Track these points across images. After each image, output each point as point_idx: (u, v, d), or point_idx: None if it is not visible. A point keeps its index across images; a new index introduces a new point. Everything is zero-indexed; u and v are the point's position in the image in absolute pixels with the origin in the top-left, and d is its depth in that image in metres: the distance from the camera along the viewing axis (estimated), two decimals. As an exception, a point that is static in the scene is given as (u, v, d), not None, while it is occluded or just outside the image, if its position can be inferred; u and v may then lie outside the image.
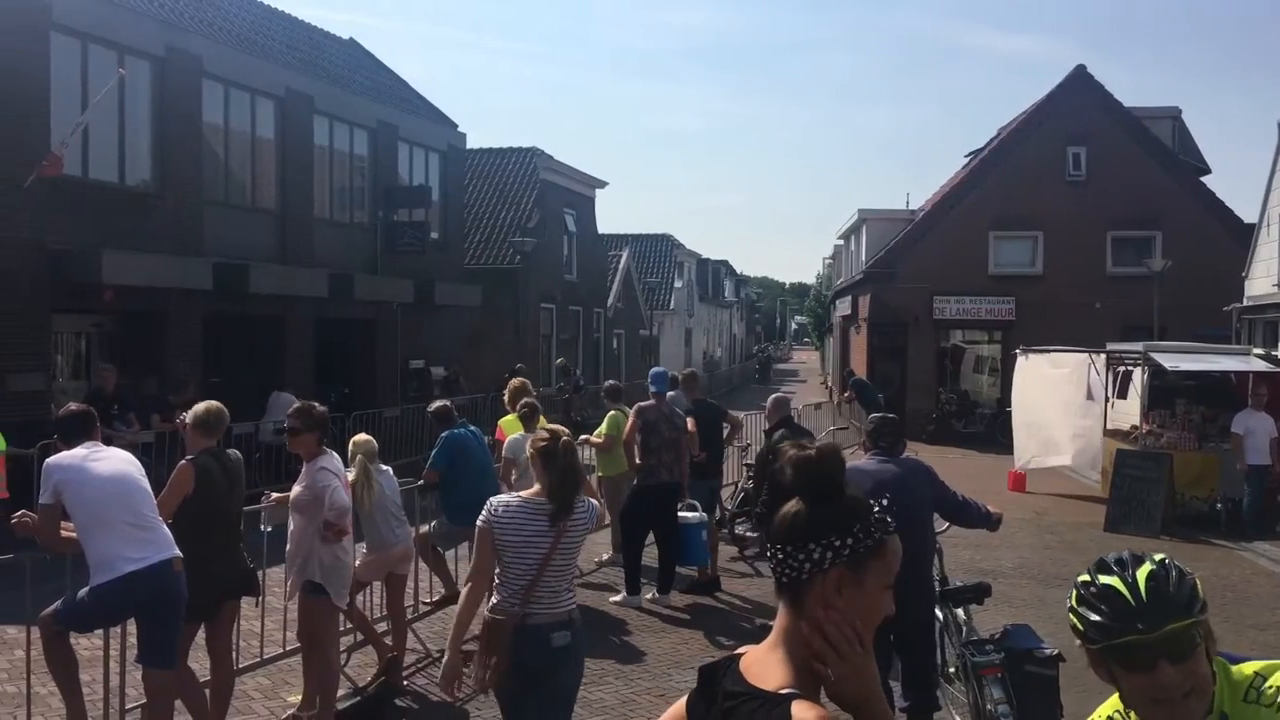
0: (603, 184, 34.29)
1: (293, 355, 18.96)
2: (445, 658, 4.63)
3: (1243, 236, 23.33)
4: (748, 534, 11.58)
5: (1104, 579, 1.90)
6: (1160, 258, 23.01)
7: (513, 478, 8.43)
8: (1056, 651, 5.33)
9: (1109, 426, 16.77)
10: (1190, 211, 26.27)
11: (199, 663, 6.16)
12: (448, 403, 9.06)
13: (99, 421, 5.66)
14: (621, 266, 38.67)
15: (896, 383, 26.85)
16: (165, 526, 5.39)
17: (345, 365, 20.77)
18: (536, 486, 4.59)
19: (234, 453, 6.16)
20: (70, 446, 5.32)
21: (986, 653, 5.37)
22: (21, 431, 12.17)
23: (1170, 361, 14.81)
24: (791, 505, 1.87)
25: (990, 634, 5.72)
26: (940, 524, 6.00)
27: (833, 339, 44.70)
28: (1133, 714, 1.96)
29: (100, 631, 6.00)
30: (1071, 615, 1.95)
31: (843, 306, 36.14)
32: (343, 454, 6.79)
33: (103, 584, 5.11)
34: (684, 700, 2.03)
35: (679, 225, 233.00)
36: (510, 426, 9.36)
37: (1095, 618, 1.88)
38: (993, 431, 23.47)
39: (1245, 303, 21.17)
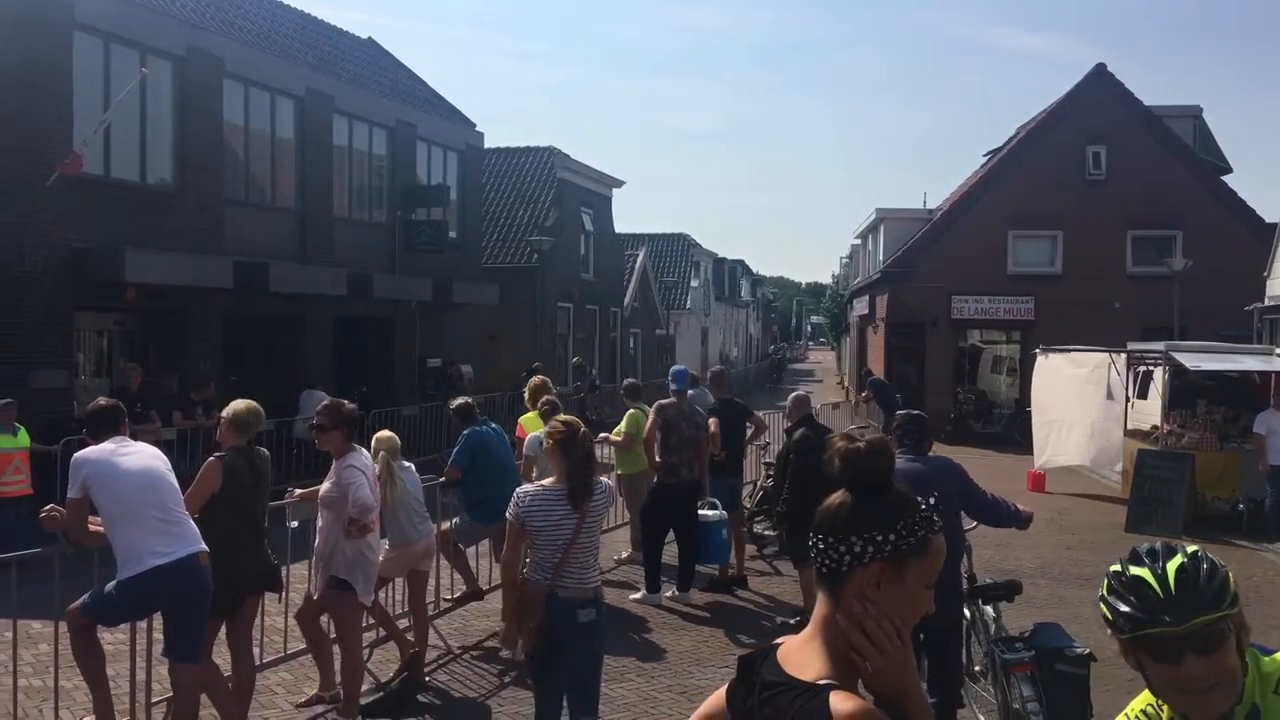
0: (620, 183, 34.32)
1: (312, 354, 19.05)
2: (504, 628, 5.38)
3: (1264, 236, 23.17)
4: (766, 532, 11.57)
5: (1134, 570, 1.90)
6: (1181, 257, 22.86)
7: (534, 475, 8.45)
8: (1088, 650, 5.30)
9: (1129, 427, 16.68)
10: (1211, 211, 26.09)
11: (221, 658, 6.19)
12: (469, 400, 9.07)
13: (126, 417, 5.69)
14: (638, 266, 38.67)
15: (914, 383, 26.75)
16: (191, 521, 5.43)
17: (363, 364, 20.84)
18: (555, 476, 5.02)
19: (263, 450, 6.19)
20: (98, 441, 5.36)
21: (1017, 650, 5.35)
22: (45, 428, 12.29)
23: (1192, 361, 14.70)
24: (837, 497, 1.88)
25: (1020, 632, 5.69)
26: (968, 522, 5.97)
27: (849, 339, 44.59)
28: (1165, 706, 1.96)
29: (126, 626, 6.05)
30: (1102, 604, 1.95)
31: (860, 306, 36.04)
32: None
33: (130, 578, 5.14)
34: (724, 689, 2.03)
35: (695, 225, 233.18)
36: (531, 424, 9.36)
37: (1124, 608, 1.88)
38: (1011, 431, 23.36)
39: (1267, 302, 21.01)
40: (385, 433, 7.43)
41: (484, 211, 27.06)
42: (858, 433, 1.96)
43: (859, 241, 39.22)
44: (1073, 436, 17.62)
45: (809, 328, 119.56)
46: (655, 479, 9.85)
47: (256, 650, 6.59)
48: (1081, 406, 17.43)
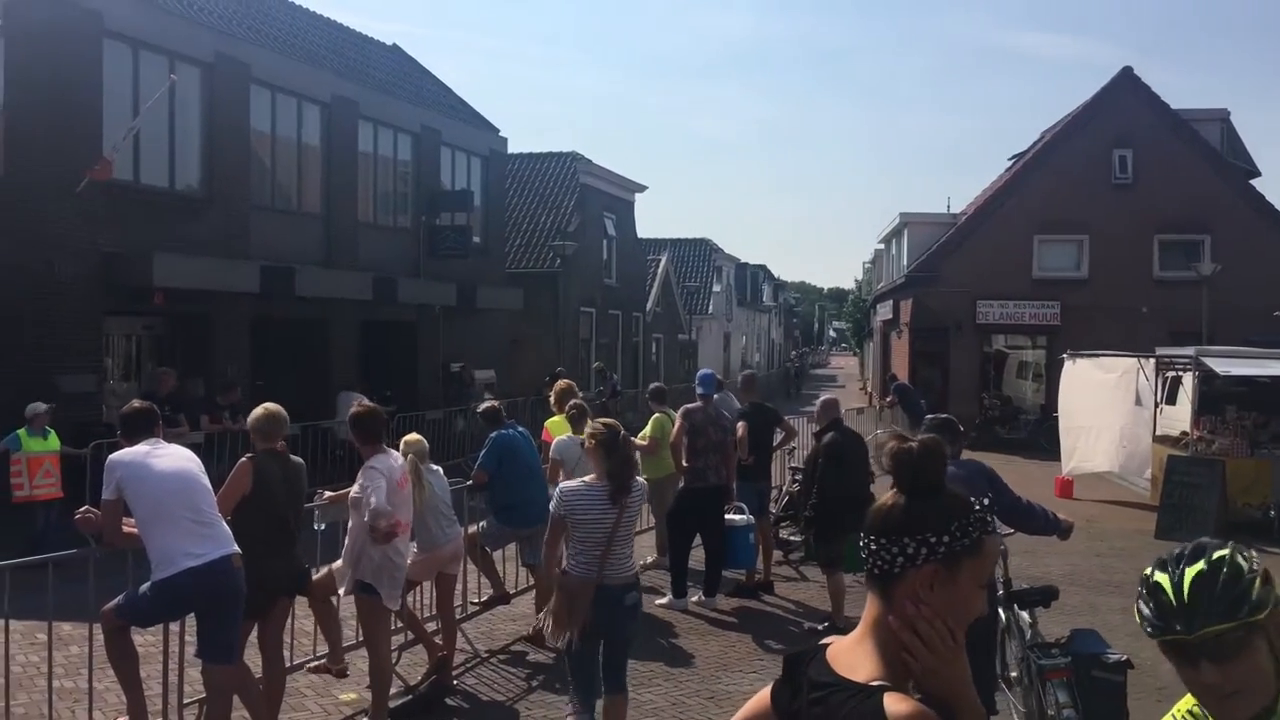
0: (642, 188, 34.35)
1: (337, 358, 19.15)
2: (548, 619, 5.52)
3: (1294, 240, 22.92)
4: (792, 538, 11.52)
5: (1156, 575, 1.89)
6: (1209, 262, 22.64)
7: (560, 478, 8.43)
8: (1125, 657, 5.24)
9: (1158, 433, 16.51)
10: (1240, 215, 25.84)
11: (251, 661, 6.21)
12: (496, 403, 9.08)
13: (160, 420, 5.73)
14: (660, 271, 38.67)
15: (939, 388, 26.59)
16: (224, 523, 5.45)
17: (388, 368, 20.92)
18: (596, 474, 5.43)
19: (297, 458, 6.21)
20: (133, 443, 5.39)
21: (1053, 656, 5.29)
22: (74, 432, 12.39)
23: (1222, 366, 14.55)
24: (889, 497, 1.87)
25: (1056, 638, 5.64)
26: (1003, 528, 5.92)
27: (873, 344, 44.41)
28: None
29: (158, 627, 6.08)
30: (1135, 605, 1.95)
31: (884, 311, 35.90)
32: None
33: (163, 579, 5.17)
34: (768, 689, 2.02)
35: (717, 230, 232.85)
36: (557, 428, 9.36)
37: (1145, 612, 1.88)
38: (1037, 437, 23.19)
39: (1297, 307, 20.76)
40: (413, 436, 7.43)
41: (507, 216, 27.15)
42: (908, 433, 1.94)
43: (882, 246, 39.09)
44: (1101, 442, 17.47)
45: (831, 333, 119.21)
46: (682, 483, 9.83)
47: (286, 653, 6.61)
48: (1110, 412, 17.28)
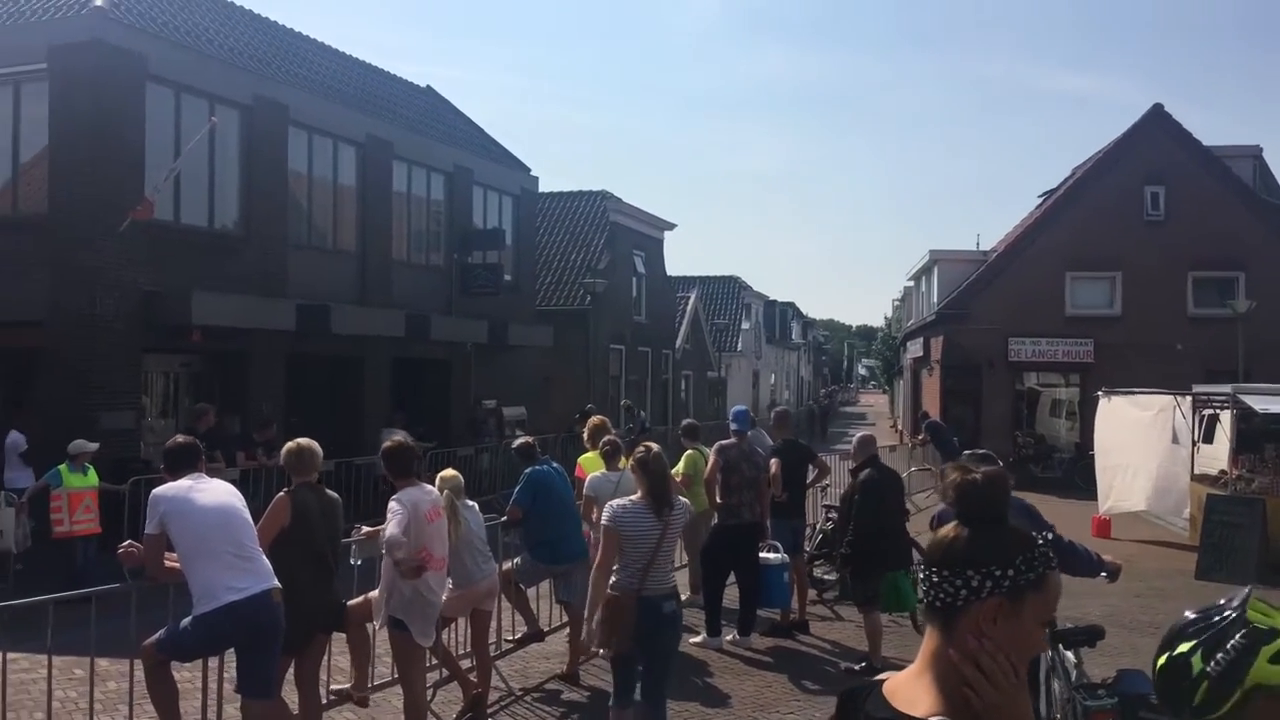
0: (671, 226, 34.50)
1: (371, 394, 19.28)
2: (589, 629, 6.14)
3: (1332, 276, 22.66)
4: (825, 577, 11.42)
5: (1160, 652, 1.91)
6: (1244, 299, 22.42)
7: (594, 516, 8.42)
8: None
9: (1196, 471, 16.29)
10: (1274, 251, 25.61)
11: (287, 696, 6.22)
12: (531, 439, 9.09)
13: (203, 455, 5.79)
14: (689, 308, 38.73)
15: (971, 426, 26.38)
16: (265, 557, 5.49)
17: (420, 405, 21.04)
18: (639, 493, 5.94)
19: (333, 493, 6.26)
20: (175, 477, 5.46)
21: (1099, 697, 5.21)
22: (112, 468, 12.52)
23: (1261, 404, 14.38)
24: (950, 529, 1.86)
25: (1103, 679, 5.55)
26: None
27: (903, 381, 44.16)
28: None
29: (196, 663, 6.11)
30: None
31: (914, 348, 35.74)
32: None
33: (205, 613, 5.20)
34: None
35: (746, 267, 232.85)
36: (590, 464, 9.34)
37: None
38: (1072, 476, 22.92)
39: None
40: (449, 471, 7.44)
41: (538, 254, 27.36)
42: (972, 464, 1.94)
43: (912, 283, 38.97)
44: (1138, 481, 17.24)
45: (861, 371, 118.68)
46: (715, 520, 9.79)
47: (322, 690, 6.61)
48: (1146, 450, 17.07)
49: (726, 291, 48.16)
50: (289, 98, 17.53)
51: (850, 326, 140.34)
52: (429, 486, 6.58)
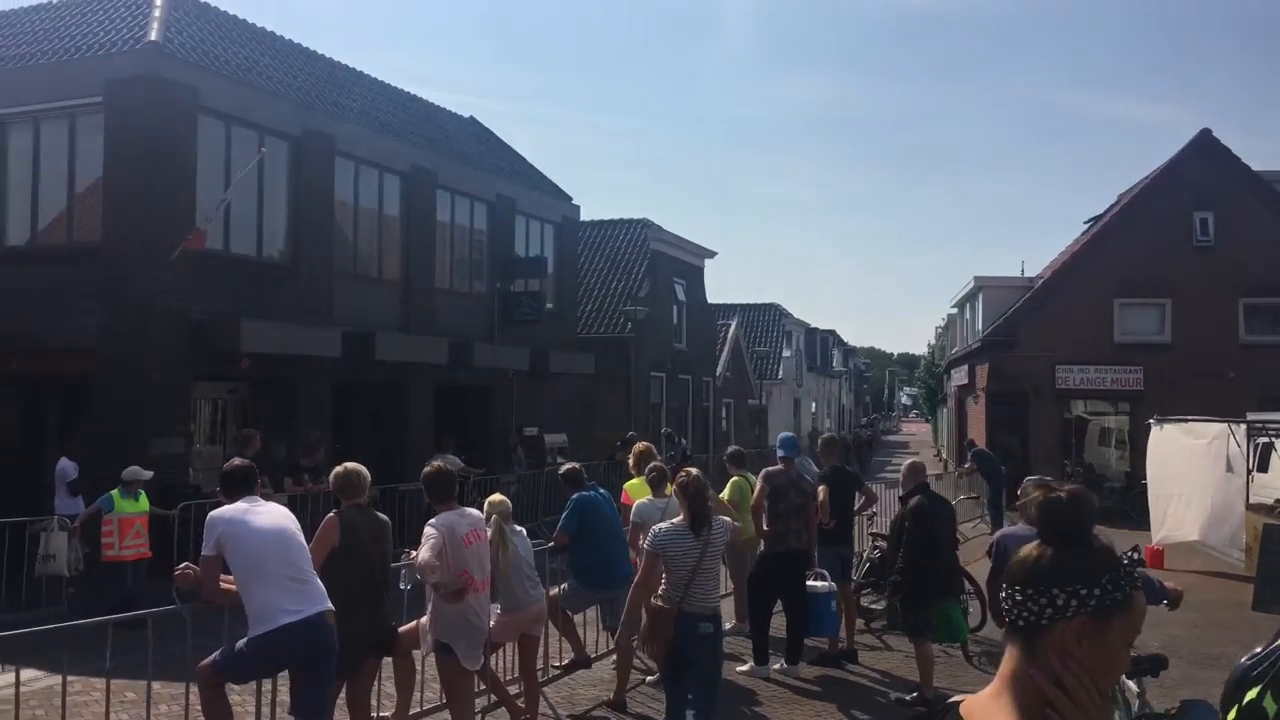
0: (712, 254, 34.53)
1: (414, 421, 19.38)
2: (639, 636, 6.49)
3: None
4: (873, 606, 11.27)
5: (1229, 703, 1.87)
6: (1298, 325, 22.01)
7: (640, 542, 8.38)
8: (1239, 729, 4.99)
9: (1251, 500, 15.93)
10: (1329, 276, 25.14)
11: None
12: (578, 465, 9.09)
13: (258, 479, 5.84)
14: (730, 336, 38.68)
15: (1018, 454, 26.03)
16: (319, 580, 5.51)
17: (463, 431, 21.13)
18: (681, 515, 6.22)
19: (382, 515, 6.29)
20: (231, 500, 5.50)
21: (1167, 727, 5.07)
22: (161, 493, 12.67)
23: (1320, 431, 14.05)
24: (1034, 548, 1.82)
25: (1166, 709, 5.41)
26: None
27: (947, 409, 43.73)
28: None
29: (249, 687, 6.13)
30: None
31: (958, 376, 35.40)
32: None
33: (261, 634, 5.23)
34: None
35: (786, 294, 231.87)
36: (636, 490, 9.32)
37: None
38: (1123, 506, 22.49)
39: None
40: (497, 496, 7.46)
41: (579, 282, 27.48)
42: (1057, 483, 1.90)
43: (955, 310, 38.67)
44: (1191, 511, 16.89)
45: (904, 399, 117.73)
46: (762, 547, 9.70)
47: (373, 716, 6.60)
48: (1200, 479, 16.73)
49: (767, 319, 48.07)
50: (335, 129, 17.79)
51: (891, 354, 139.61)
52: (469, 510, 6.61)
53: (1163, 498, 17.13)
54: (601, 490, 8.77)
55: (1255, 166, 26.79)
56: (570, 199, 26.28)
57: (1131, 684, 5.69)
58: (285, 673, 5.68)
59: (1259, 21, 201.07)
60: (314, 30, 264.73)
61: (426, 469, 6.66)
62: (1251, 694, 1.84)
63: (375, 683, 6.57)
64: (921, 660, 8.54)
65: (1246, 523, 15.45)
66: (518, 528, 7.40)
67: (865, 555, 12.12)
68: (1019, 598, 1.80)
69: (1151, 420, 18.47)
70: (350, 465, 6.29)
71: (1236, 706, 1.84)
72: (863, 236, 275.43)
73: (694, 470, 6.33)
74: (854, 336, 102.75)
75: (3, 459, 14.71)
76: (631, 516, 8.65)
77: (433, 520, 6.25)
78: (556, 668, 8.72)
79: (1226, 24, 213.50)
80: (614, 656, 8.69)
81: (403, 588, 7.25)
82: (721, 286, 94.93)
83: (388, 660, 6.58)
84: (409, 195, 19.68)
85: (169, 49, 14.96)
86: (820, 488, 9.76)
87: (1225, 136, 45.61)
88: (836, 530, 9.98)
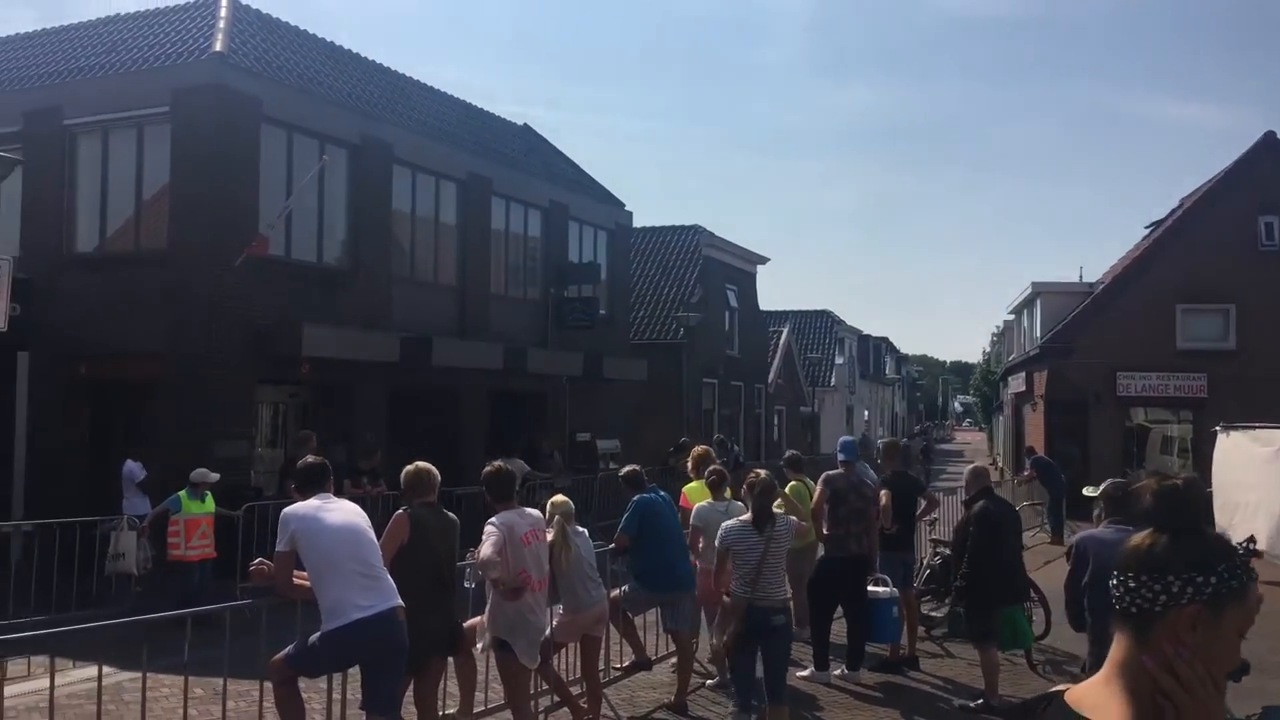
0: (764, 260, 34.43)
1: (468, 425, 19.54)
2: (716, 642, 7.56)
3: None
4: (933, 614, 11.14)
5: None
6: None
7: (700, 545, 8.37)
8: (1325, 738, 4.87)
9: (1323, 510, 15.52)
10: (1400, 281, 24.46)
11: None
12: (638, 467, 9.10)
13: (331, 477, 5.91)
14: (782, 343, 38.54)
15: (1078, 462, 25.59)
16: (389, 576, 5.57)
17: (516, 436, 21.25)
18: (749, 514, 6.75)
19: (450, 514, 6.36)
20: (305, 497, 5.58)
21: (1252, 732, 4.96)
22: (225, 495, 12.88)
23: (1395, 439, 13.67)
24: (1147, 535, 1.81)
25: (1247, 715, 5.29)
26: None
27: (1004, 417, 43.16)
28: None
29: (320, 684, 6.21)
30: None
31: (1015, 383, 34.92)
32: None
33: (334, 629, 5.29)
34: None
35: (839, 301, 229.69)
36: (695, 494, 9.30)
37: None
38: (1186, 515, 22.03)
39: None
40: (560, 497, 7.50)
41: (632, 288, 27.53)
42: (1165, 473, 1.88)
43: (1012, 317, 38.16)
44: (1258, 520, 16.47)
45: (958, 407, 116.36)
46: (822, 551, 9.63)
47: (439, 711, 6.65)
48: (1267, 488, 16.34)
49: (819, 326, 47.82)
50: (393, 137, 18.01)
51: (944, 362, 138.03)
52: (529, 510, 6.67)
53: (1228, 506, 16.75)
54: (662, 493, 8.78)
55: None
56: (623, 205, 26.36)
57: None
58: (354, 669, 5.75)
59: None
60: (370, 42, 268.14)
61: (487, 469, 6.77)
62: None
63: (442, 681, 6.62)
64: (986, 666, 8.42)
65: (1318, 532, 15.06)
66: (579, 528, 7.43)
67: (926, 562, 11.99)
68: (1132, 584, 1.78)
69: (1217, 428, 18.09)
70: (421, 463, 6.37)
71: None
72: (914, 244, 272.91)
73: (763, 471, 6.85)
74: (907, 344, 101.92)
75: (73, 460, 15.05)
76: (691, 520, 8.65)
77: (493, 519, 6.32)
78: (617, 669, 8.73)
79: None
80: (674, 659, 8.68)
81: (467, 586, 7.31)
82: (774, 293, 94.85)
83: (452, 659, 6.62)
84: (464, 202, 19.87)
85: (233, 59, 15.25)
86: (883, 492, 9.68)
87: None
88: (898, 535, 9.90)
